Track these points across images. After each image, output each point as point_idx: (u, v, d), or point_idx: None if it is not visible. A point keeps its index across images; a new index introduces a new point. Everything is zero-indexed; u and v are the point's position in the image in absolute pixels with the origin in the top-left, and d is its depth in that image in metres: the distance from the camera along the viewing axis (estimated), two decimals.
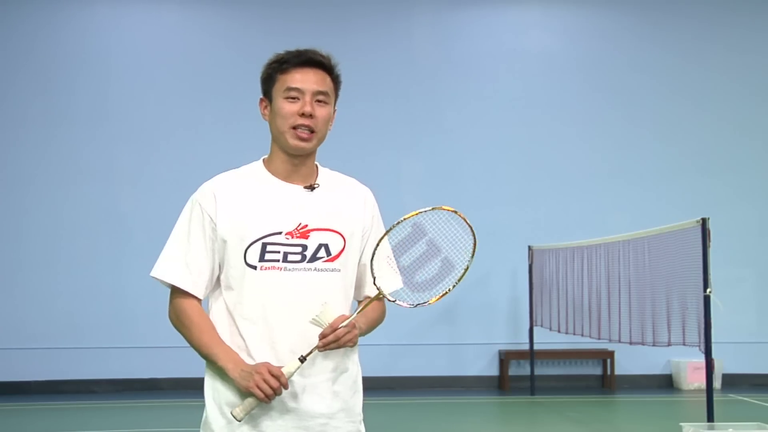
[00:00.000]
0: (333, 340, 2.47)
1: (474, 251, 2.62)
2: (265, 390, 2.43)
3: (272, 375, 2.43)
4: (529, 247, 10.48)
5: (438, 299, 2.65)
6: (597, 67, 11.31)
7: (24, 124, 10.88)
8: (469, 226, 2.63)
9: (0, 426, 8.66)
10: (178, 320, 2.62)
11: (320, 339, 2.47)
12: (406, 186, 10.99)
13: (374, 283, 2.58)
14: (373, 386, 10.49)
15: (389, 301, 2.62)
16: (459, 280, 2.65)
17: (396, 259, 2.65)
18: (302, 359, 2.47)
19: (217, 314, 2.61)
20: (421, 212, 2.63)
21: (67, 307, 10.66)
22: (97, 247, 10.73)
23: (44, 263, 10.73)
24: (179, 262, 2.59)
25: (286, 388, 2.45)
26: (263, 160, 2.69)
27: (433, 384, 10.82)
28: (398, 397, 10.11)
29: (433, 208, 2.64)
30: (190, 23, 11.31)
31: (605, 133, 11.24)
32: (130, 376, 10.66)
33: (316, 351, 2.48)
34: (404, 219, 2.63)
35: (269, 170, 2.64)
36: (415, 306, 2.64)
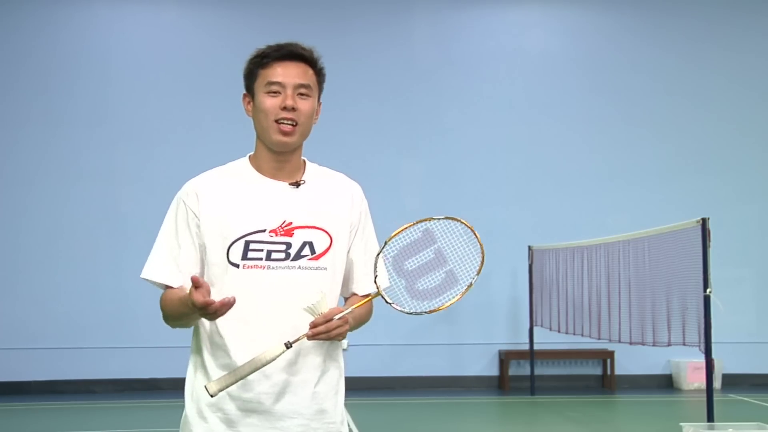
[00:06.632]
0: (324, 331, 2.40)
1: (480, 269, 2.59)
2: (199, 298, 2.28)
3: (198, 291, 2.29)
4: (529, 247, 10.48)
5: (435, 311, 2.59)
6: (597, 67, 11.31)
7: (24, 125, 10.88)
8: (480, 244, 2.59)
9: (0, 426, 8.66)
10: (164, 308, 2.56)
11: (311, 328, 2.40)
12: (406, 186, 11.00)
13: (374, 281, 2.54)
14: (373, 386, 10.52)
15: (386, 302, 2.57)
16: (460, 296, 2.59)
17: (401, 262, 2.60)
18: (288, 345, 2.39)
19: None
20: (434, 219, 2.60)
21: (67, 307, 10.66)
22: (97, 247, 10.73)
23: (44, 263, 10.73)
24: (169, 262, 2.55)
25: (231, 303, 2.30)
26: (249, 156, 2.64)
27: (433, 384, 10.82)
28: (398, 397, 10.08)
29: (446, 218, 2.61)
30: (190, 23, 11.31)
31: (605, 133, 11.24)
32: (130, 376, 10.66)
33: (304, 339, 2.41)
34: (416, 222, 2.60)
35: (254, 167, 2.60)
36: (411, 313, 2.58)
